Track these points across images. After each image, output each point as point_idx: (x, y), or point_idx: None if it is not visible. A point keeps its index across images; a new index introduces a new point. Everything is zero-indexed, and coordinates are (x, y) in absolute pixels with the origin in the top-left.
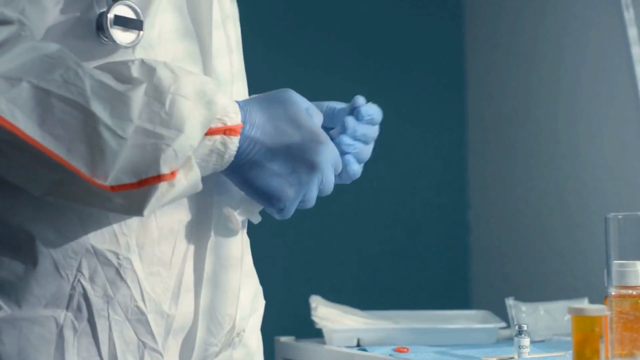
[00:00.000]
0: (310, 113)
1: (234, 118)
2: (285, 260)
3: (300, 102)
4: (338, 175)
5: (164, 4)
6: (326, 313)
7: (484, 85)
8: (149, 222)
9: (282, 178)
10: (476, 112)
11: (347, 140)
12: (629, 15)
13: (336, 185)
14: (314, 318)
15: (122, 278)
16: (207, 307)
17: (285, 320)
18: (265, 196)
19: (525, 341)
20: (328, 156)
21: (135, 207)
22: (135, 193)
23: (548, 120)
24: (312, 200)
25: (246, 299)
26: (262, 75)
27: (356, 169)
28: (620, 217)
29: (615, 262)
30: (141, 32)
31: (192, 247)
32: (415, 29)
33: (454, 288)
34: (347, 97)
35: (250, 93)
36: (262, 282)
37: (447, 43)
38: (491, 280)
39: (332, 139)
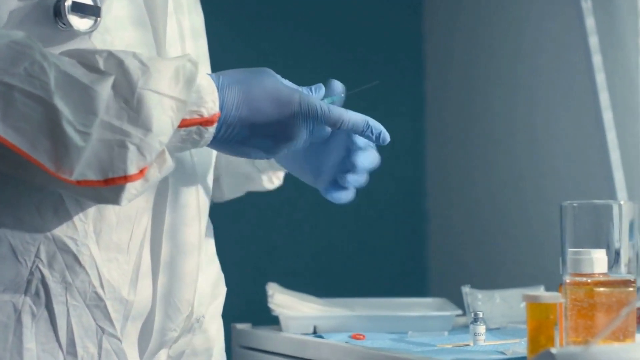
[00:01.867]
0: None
1: (212, 107)
2: (241, 247)
3: (276, 77)
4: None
5: None
6: (283, 300)
7: (442, 75)
8: (105, 209)
9: (261, 150)
10: (434, 100)
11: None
12: (586, 5)
13: (293, 176)
14: (271, 305)
15: (80, 264)
16: (164, 293)
17: (242, 307)
18: (244, 157)
19: (481, 328)
20: (305, 123)
21: (111, 200)
22: (104, 189)
23: (505, 109)
24: (300, 149)
25: (205, 284)
26: (221, 62)
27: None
28: (575, 205)
29: (570, 250)
30: (98, 19)
31: (148, 233)
32: (373, 18)
33: (411, 276)
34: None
35: None
36: None
37: (406, 32)
38: (448, 268)
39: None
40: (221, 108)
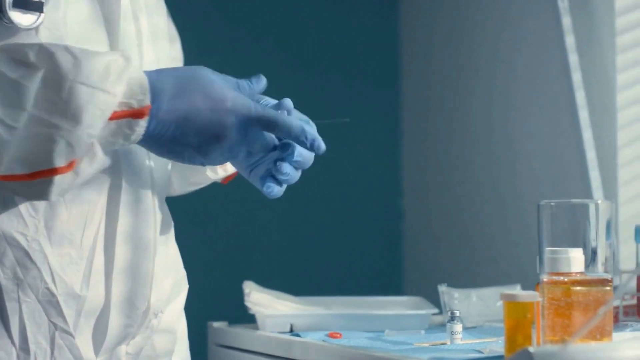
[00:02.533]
0: (226, 80)
1: (142, 100)
2: (218, 245)
3: (213, 74)
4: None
5: None
6: (259, 298)
7: (418, 72)
8: (57, 204)
9: (194, 149)
10: (411, 98)
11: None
12: (563, 4)
13: None
14: (247, 303)
15: (31, 260)
16: (120, 289)
17: (218, 305)
18: (179, 161)
19: (458, 327)
20: (237, 122)
21: (40, 195)
22: (32, 184)
23: (482, 107)
24: (238, 155)
25: (164, 281)
26: None
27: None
28: (552, 204)
29: (548, 249)
30: (41, 14)
31: (102, 229)
32: (349, 16)
33: (387, 274)
34: (280, 87)
35: None
36: (195, 267)
37: (382, 29)
38: (424, 266)
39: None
40: (152, 101)
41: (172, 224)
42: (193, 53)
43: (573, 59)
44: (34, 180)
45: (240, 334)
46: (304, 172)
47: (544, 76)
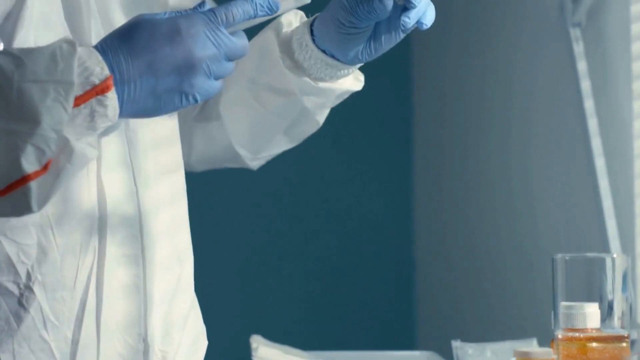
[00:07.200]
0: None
1: (101, 72)
2: (225, 298)
3: (150, 15)
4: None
5: None
6: (267, 353)
7: (432, 122)
8: (48, 247)
9: (177, 90)
10: (424, 146)
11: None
12: (578, 49)
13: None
14: (255, 359)
15: (25, 309)
16: (109, 328)
17: None
18: (174, 110)
19: None
20: (201, 38)
21: (22, 209)
22: (9, 199)
23: (497, 154)
24: (227, 71)
25: (170, 337)
26: None
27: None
28: (567, 258)
29: (562, 304)
30: None
31: (95, 268)
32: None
33: (399, 328)
34: None
35: None
36: None
37: (394, 76)
38: (437, 319)
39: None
40: (111, 69)
41: (189, 273)
42: None
43: (589, 104)
44: (9, 194)
45: None
46: (314, 224)
47: (559, 122)
